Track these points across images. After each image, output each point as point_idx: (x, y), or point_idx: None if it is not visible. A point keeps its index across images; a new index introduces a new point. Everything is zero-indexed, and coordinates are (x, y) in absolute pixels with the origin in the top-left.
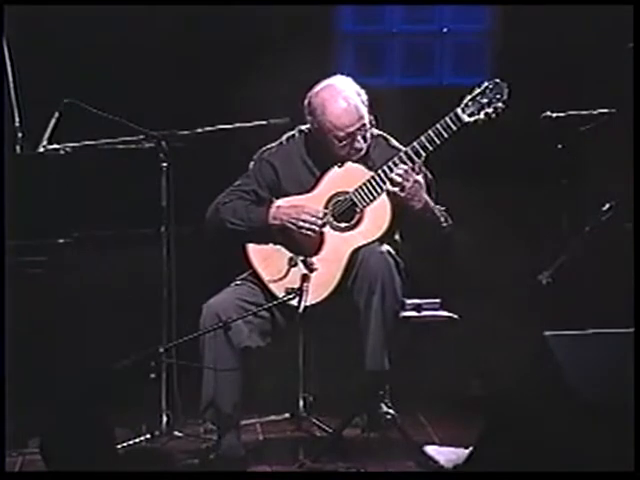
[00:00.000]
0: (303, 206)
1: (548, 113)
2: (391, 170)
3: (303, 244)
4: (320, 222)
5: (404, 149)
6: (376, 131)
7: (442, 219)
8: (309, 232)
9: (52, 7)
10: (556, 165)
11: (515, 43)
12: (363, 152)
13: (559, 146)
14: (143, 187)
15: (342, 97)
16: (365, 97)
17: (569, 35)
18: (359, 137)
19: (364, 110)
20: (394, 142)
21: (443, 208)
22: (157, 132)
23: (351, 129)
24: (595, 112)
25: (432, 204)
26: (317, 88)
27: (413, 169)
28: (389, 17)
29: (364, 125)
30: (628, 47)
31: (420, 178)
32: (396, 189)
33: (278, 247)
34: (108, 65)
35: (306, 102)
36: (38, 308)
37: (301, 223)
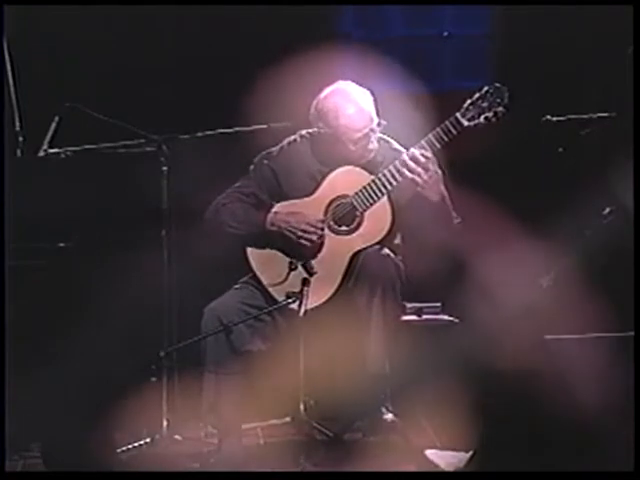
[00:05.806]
0: (303, 214)
1: (549, 117)
2: (392, 175)
3: (303, 248)
4: (320, 232)
5: (405, 152)
6: (378, 134)
7: (454, 214)
8: (308, 242)
9: (52, 7)
10: (556, 168)
11: (516, 47)
12: (374, 153)
13: (560, 149)
14: (144, 190)
15: (353, 100)
16: (371, 98)
17: (570, 38)
18: (372, 138)
19: (373, 112)
20: (395, 144)
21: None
22: (158, 136)
23: (365, 130)
24: (595, 116)
25: (448, 199)
26: (325, 93)
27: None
28: (390, 21)
29: (376, 126)
30: (629, 49)
31: (439, 170)
32: (419, 175)
33: (277, 251)
34: (109, 68)
35: (314, 107)
36: (39, 311)
37: (300, 233)
